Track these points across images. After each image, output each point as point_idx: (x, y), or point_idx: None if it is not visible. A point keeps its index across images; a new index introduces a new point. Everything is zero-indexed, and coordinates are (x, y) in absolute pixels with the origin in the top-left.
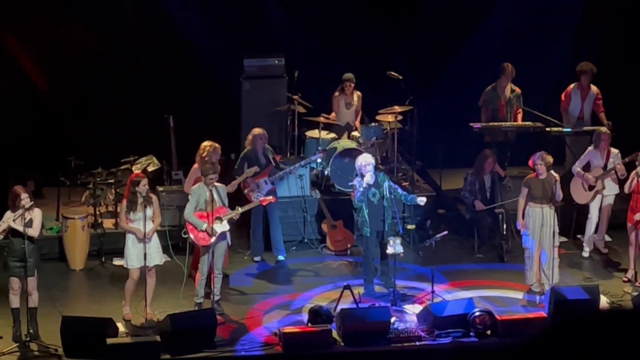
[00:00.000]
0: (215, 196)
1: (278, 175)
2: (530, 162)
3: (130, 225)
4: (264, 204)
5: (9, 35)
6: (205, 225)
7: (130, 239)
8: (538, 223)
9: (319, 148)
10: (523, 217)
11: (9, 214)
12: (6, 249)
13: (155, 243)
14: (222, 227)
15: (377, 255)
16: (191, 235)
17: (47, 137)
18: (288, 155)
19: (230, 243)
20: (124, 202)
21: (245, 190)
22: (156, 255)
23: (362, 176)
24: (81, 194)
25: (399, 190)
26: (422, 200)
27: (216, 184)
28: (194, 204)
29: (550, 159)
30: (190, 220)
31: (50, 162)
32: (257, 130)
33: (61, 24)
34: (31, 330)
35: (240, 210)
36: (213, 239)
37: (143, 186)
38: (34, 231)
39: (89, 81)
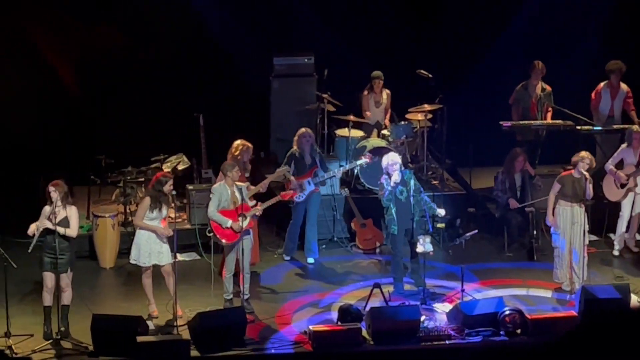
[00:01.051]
0: (237, 194)
1: (321, 178)
2: (574, 159)
3: (147, 223)
4: (285, 198)
5: (39, 36)
6: (230, 223)
7: (144, 237)
8: (569, 222)
9: (366, 153)
10: (553, 214)
11: (47, 209)
12: (42, 246)
13: (166, 241)
14: (246, 223)
15: (407, 254)
16: (217, 235)
17: (77, 136)
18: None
19: (253, 241)
20: (147, 199)
21: (289, 190)
22: (168, 254)
23: (389, 175)
24: (111, 193)
25: (422, 195)
26: (440, 213)
27: (237, 183)
28: (216, 202)
29: (594, 160)
30: (214, 218)
31: (80, 161)
32: (302, 130)
33: (91, 24)
34: (62, 328)
35: (262, 206)
36: (239, 237)
37: (169, 186)
38: (72, 231)
39: (119, 80)
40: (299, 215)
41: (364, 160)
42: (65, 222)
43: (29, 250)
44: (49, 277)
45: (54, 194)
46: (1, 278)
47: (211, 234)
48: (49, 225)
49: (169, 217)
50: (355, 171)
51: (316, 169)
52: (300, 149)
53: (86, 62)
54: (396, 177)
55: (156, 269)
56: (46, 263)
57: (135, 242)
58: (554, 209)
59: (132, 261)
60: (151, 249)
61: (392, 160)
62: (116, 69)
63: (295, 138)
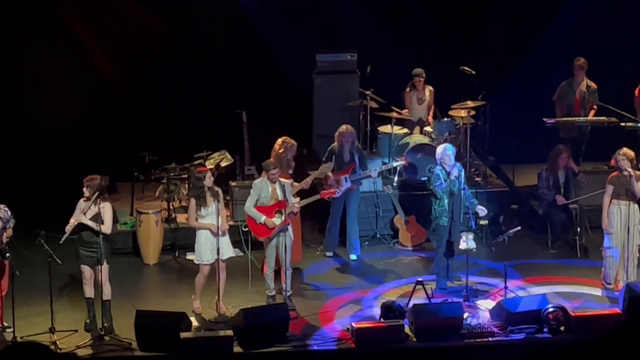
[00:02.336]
0: (278, 191)
1: (357, 177)
2: (612, 162)
3: (201, 221)
4: (325, 197)
5: (86, 33)
6: (263, 218)
7: (202, 235)
8: (623, 221)
9: (405, 155)
10: (607, 214)
11: (82, 203)
12: (77, 239)
13: (226, 236)
14: (278, 221)
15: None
16: (251, 230)
17: (121, 132)
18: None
19: (292, 237)
20: (192, 200)
21: (326, 185)
22: (228, 249)
23: (442, 166)
24: (155, 189)
25: (466, 190)
26: (481, 210)
27: (281, 179)
28: (255, 197)
29: (631, 153)
30: (249, 213)
31: (124, 158)
32: (342, 129)
33: (137, 20)
34: (106, 324)
35: (301, 203)
36: (272, 233)
37: (209, 179)
38: (106, 228)
39: (163, 77)
40: (336, 212)
41: (400, 163)
42: (97, 218)
43: (60, 242)
44: (87, 270)
45: (85, 190)
46: (46, 274)
47: (247, 229)
48: (84, 220)
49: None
50: (398, 168)
51: (354, 166)
52: (340, 145)
53: (131, 59)
54: (456, 172)
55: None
56: (82, 256)
57: (196, 241)
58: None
59: (196, 261)
60: (212, 245)
61: (445, 149)
62: (160, 66)
63: (336, 134)
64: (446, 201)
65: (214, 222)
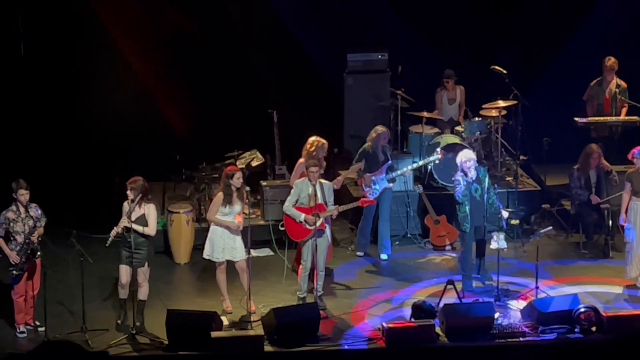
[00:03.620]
0: (319, 192)
1: (393, 175)
2: (629, 156)
3: (220, 218)
4: (364, 205)
5: (117, 35)
6: (303, 216)
7: (218, 232)
8: (639, 217)
9: (438, 149)
10: (626, 212)
11: (126, 206)
12: (120, 240)
13: (240, 236)
14: (318, 223)
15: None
16: (287, 231)
17: (153, 132)
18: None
19: (330, 241)
20: (219, 195)
21: (362, 186)
22: (242, 250)
23: (464, 172)
24: (186, 189)
25: (492, 192)
26: (504, 215)
27: (322, 181)
28: (295, 197)
29: None
30: (288, 212)
31: (156, 157)
32: (380, 129)
33: (167, 19)
34: (138, 323)
35: (339, 209)
36: (308, 235)
37: (237, 179)
38: (150, 230)
39: (194, 77)
40: (370, 212)
41: (436, 157)
42: (142, 220)
43: (107, 245)
44: (124, 271)
45: (130, 193)
46: (78, 273)
47: (283, 228)
48: (129, 225)
49: (244, 212)
50: (429, 168)
51: (388, 165)
52: (375, 145)
53: (162, 59)
54: (472, 173)
55: (230, 265)
56: (123, 257)
57: (209, 237)
58: (627, 206)
59: (205, 256)
60: (225, 244)
61: (466, 157)
62: (191, 66)
63: (373, 135)
64: (467, 207)
65: (235, 222)
